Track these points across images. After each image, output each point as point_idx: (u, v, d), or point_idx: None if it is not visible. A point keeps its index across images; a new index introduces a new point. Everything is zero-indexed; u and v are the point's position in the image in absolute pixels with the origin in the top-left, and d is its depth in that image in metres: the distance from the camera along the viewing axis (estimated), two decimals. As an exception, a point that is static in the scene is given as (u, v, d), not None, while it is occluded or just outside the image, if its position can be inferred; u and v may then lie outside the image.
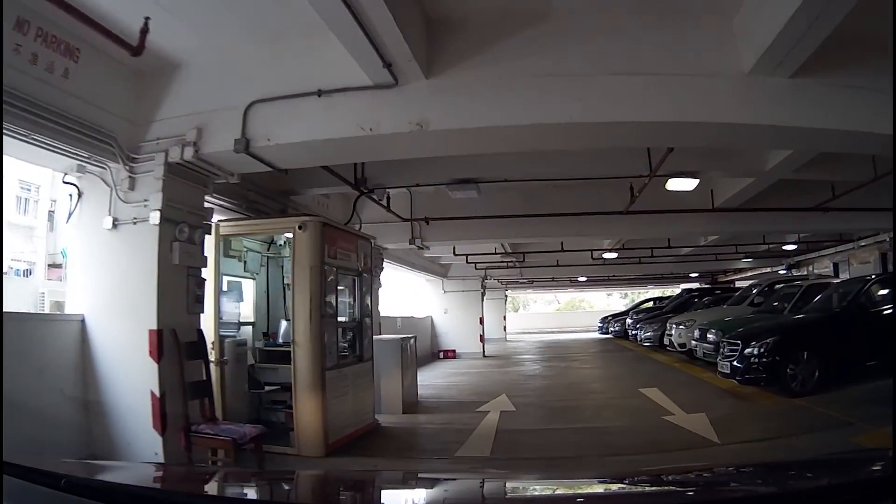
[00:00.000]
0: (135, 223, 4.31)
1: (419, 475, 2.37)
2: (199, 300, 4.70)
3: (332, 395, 5.32)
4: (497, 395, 8.15)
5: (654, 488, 1.39)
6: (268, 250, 6.64)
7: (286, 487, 1.56)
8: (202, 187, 4.77)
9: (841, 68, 3.69)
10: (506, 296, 24.55)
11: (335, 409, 5.38)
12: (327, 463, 4.87)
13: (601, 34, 3.78)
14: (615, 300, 49.44)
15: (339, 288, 6.03)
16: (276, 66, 4.17)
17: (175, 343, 4.28)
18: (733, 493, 1.25)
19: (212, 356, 5.04)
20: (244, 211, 6.12)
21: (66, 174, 4.56)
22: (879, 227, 10.73)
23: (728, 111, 3.73)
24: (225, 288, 6.04)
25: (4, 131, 3.30)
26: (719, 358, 8.20)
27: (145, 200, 4.30)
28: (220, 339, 5.38)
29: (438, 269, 14.86)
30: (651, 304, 22.64)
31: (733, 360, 7.66)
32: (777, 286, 11.89)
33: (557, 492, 1.43)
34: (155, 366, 4.12)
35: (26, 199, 15.09)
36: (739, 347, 7.63)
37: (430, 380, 10.57)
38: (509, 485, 1.63)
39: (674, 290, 31.39)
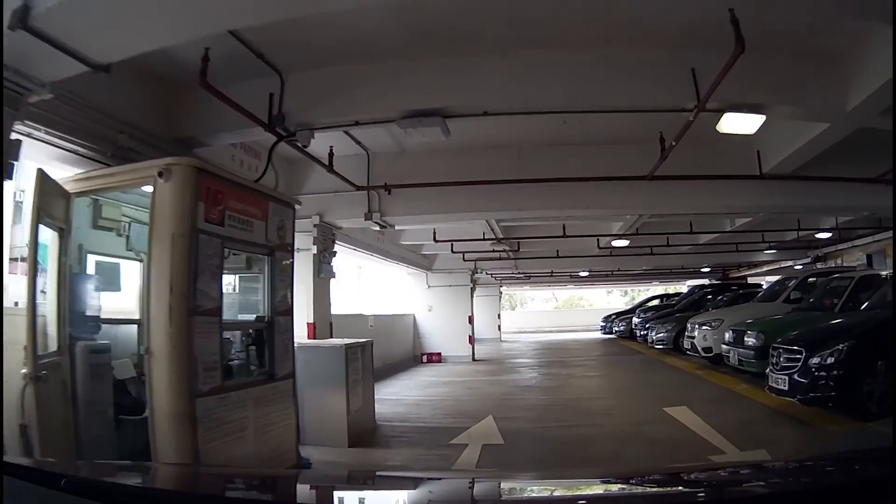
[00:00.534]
0: None
1: (421, 476, 2.04)
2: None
3: (211, 431, 3.41)
4: (482, 418, 6.25)
5: (653, 488, 1.37)
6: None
7: (287, 487, 1.53)
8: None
9: None
10: (500, 292, 22.66)
11: (221, 451, 3.47)
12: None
13: None
14: (615, 298, 47.79)
15: (236, 271, 4.14)
16: None
17: None
18: (733, 494, 1.23)
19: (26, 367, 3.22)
20: (111, 161, 4.20)
21: None
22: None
23: None
24: (91, 270, 4.23)
25: None
26: (770, 369, 6.30)
27: None
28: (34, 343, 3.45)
29: (420, 261, 12.93)
30: (657, 301, 20.90)
31: (794, 374, 5.78)
32: (815, 279, 10.10)
33: (556, 493, 1.39)
34: None
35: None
36: (802, 357, 5.75)
37: (403, 392, 8.66)
38: (506, 485, 1.55)
39: (679, 288, 29.70)
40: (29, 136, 3.45)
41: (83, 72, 2.98)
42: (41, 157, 3.75)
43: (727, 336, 8.74)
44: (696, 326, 10.15)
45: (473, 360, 13.48)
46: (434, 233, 9.64)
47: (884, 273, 9.14)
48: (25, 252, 3.63)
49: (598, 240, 11.07)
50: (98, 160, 4.14)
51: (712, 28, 3.48)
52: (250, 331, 4.29)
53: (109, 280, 4.50)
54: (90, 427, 3.69)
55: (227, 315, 3.87)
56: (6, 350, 2.74)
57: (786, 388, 5.95)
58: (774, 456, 4.22)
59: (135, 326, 4.30)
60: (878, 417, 5.21)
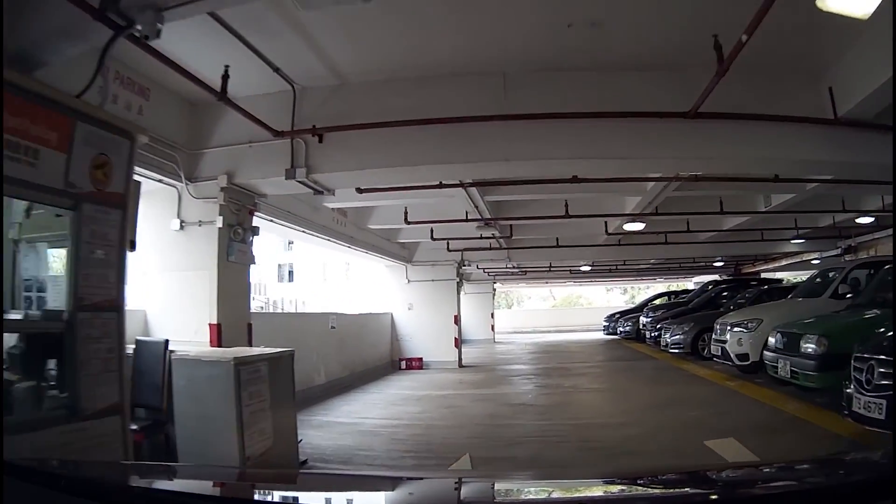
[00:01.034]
0: None
1: (425, 478, 1.85)
2: None
3: None
4: (454, 457, 4.45)
5: (653, 488, 1.36)
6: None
7: (287, 487, 1.49)
8: None
9: None
10: (494, 289, 20.84)
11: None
12: None
13: None
14: (615, 297, 45.97)
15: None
16: None
17: None
18: (733, 494, 1.21)
19: None
20: None
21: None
22: None
23: None
24: None
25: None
26: (855, 388, 4.48)
27: None
28: None
29: (397, 251, 11.08)
30: (664, 299, 19.13)
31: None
32: (864, 270, 8.32)
33: (554, 494, 1.37)
34: None
35: None
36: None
37: (364, 412, 6.83)
38: (503, 486, 1.47)
39: (683, 285, 27.90)
40: None
41: None
42: None
43: (772, 341, 6.93)
44: (728, 328, 8.32)
45: (460, 366, 11.64)
46: (406, 212, 7.78)
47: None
48: None
49: (605, 223, 9.24)
50: None
51: None
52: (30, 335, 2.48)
53: None
54: None
55: None
56: None
57: (882, 418, 4.16)
58: None
59: None
60: None
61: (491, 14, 3.56)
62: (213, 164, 5.20)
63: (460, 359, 11.80)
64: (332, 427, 5.90)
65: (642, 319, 15.78)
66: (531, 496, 1.38)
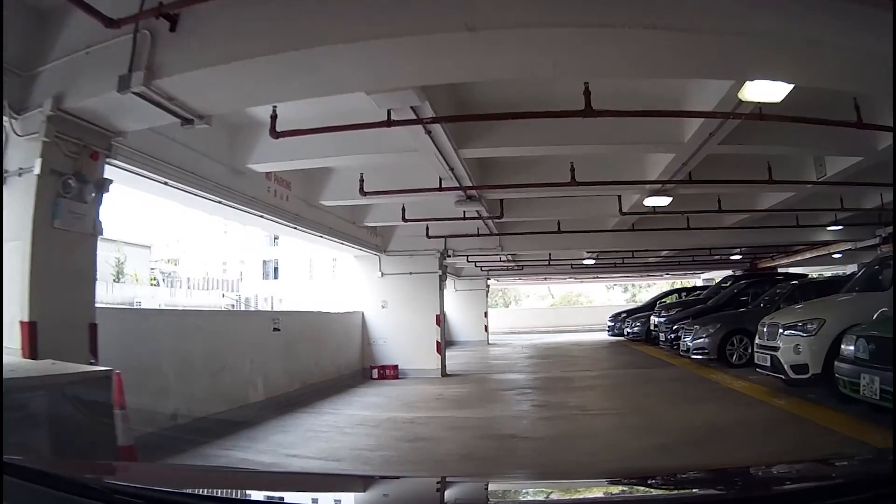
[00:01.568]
0: None
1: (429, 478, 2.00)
2: None
3: None
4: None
5: (653, 489, 1.34)
6: None
7: (287, 487, 1.49)
8: None
9: None
10: (487, 286, 19.02)
11: None
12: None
13: None
14: (616, 295, 44.11)
15: None
16: None
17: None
18: (733, 494, 1.20)
19: None
20: None
21: None
22: None
23: None
24: None
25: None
26: None
27: None
28: None
29: (366, 237, 9.21)
30: (674, 297, 17.33)
31: None
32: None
33: (552, 495, 1.33)
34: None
35: None
36: None
37: (294, 445, 4.97)
38: (501, 487, 1.45)
39: (687, 283, 26.10)
40: None
41: None
42: None
43: (849, 348, 5.12)
44: (780, 331, 6.48)
45: (443, 375, 9.80)
46: (361, 180, 5.91)
47: None
48: None
49: (619, 200, 7.39)
50: None
51: None
52: None
53: None
54: None
55: None
56: None
57: None
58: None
59: None
60: None
61: None
62: (45, 86, 3.40)
63: (443, 366, 9.95)
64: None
65: (654, 319, 13.96)
66: (529, 497, 1.35)
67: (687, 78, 4.05)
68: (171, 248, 37.05)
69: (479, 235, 9.39)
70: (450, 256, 10.51)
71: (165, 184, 4.88)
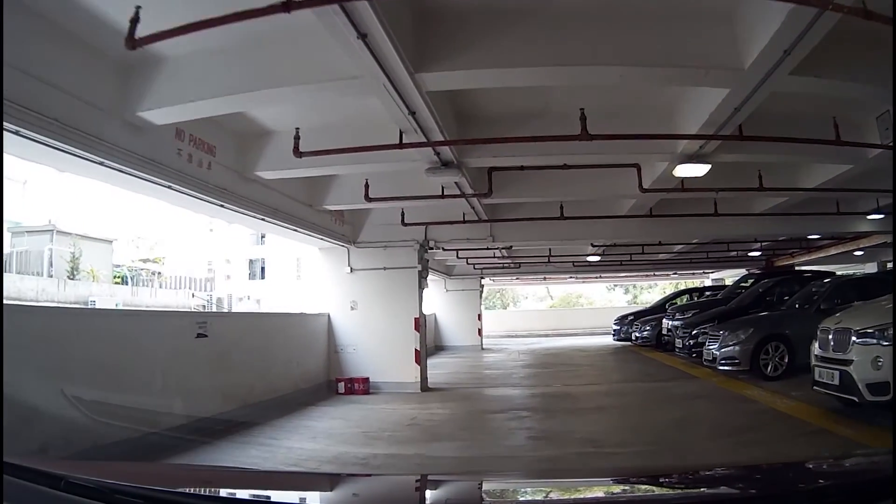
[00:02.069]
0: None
1: (429, 477, 1.95)
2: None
3: None
4: None
5: (653, 489, 1.33)
6: None
7: (287, 486, 1.50)
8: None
9: None
10: (482, 286, 17.46)
11: None
12: None
13: None
14: (617, 296, 42.48)
15: None
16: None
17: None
18: (733, 494, 1.21)
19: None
20: None
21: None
22: None
23: None
24: None
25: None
26: None
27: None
28: None
29: (329, 224, 7.64)
30: (686, 298, 15.83)
31: None
32: None
33: (552, 495, 1.32)
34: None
35: None
36: None
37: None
38: (500, 487, 1.45)
39: (691, 283, 24.53)
40: None
41: None
42: None
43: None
44: (853, 340, 4.91)
45: (423, 388, 8.23)
46: (297, 136, 4.35)
47: None
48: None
49: (638, 174, 5.82)
50: None
51: None
52: None
53: None
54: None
55: None
56: None
57: None
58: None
59: None
60: None
61: None
62: None
63: (424, 378, 8.38)
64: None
65: (667, 322, 12.39)
66: (528, 497, 1.34)
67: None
68: (154, 247, 35.51)
69: (465, 222, 7.83)
70: (432, 249, 8.94)
71: (17, 133, 3.36)
